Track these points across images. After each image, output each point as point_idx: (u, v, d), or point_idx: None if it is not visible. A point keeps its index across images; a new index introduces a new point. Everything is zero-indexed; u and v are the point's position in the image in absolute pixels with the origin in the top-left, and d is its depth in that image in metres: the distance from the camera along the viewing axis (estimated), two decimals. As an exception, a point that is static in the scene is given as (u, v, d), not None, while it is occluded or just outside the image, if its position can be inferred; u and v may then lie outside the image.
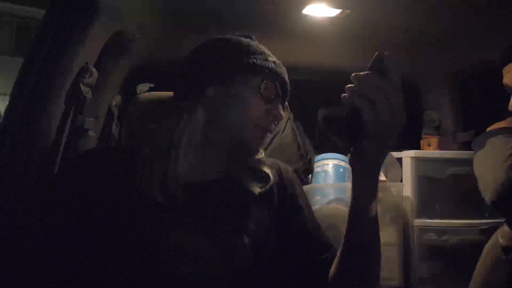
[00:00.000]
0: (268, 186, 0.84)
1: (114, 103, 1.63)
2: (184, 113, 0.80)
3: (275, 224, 0.84)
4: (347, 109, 0.62)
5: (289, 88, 0.87)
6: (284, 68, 0.86)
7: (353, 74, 0.61)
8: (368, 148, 0.63)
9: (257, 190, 0.83)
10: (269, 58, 0.83)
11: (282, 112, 0.83)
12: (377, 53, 0.61)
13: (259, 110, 0.81)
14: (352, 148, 0.66)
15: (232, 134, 0.80)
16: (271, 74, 0.82)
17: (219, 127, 0.81)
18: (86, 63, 1.17)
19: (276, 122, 0.83)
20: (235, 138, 0.80)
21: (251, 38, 0.87)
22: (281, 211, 0.85)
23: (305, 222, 0.86)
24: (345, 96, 0.61)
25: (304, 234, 0.85)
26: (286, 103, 0.89)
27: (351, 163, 0.67)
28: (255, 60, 0.81)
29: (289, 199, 0.87)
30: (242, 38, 0.85)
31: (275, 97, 0.83)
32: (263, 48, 0.85)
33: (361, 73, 0.61)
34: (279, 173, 0.89)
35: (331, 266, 0.77)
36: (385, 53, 0.61)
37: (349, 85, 0.61)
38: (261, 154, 0.88)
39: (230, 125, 0.80)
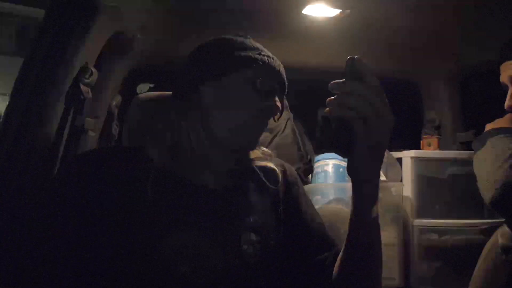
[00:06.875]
0: (276, 185, 0.86)
1: (114, 103, 1.63)
2: (182, 112, 0.81)
3: (281, 222, 0.85)
4: (335, 122, 0.62)
5: (286, 83, 0.87)
6: (280, 62, 0.86)
7: (330, 84, 0.61)
8: (363, 157, 0.63)
9: (264, 187, 0.84)
10: (263, 53, 0.83)
11: (279, 104, 0.83)
12: (348, 57, 0.61)
13: (254, 104, 0.81)
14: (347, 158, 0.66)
15: (229, 129, 0.81)
16: (265, 67, 0.82)
17: (216, 123, 0.81)
18: (86, 63, 1.17)
19: (274, 116, 0.83)
20: (233, 133, 0.81)
21: (245, 37, 0.87)
22: (285, 209, 0.86)
23: (307, 222, 0.87)
24: (329, 110, 0.61)
25: (305, 233, 0.86)
26: (286, 102, 0.89)
27: (348, 172, 0.67)
28: (247, 54, 0.81)
29: (292, 198, 0.89)
30: (236, 37, 0.85)
31: (271, 90, 0.83)
32: (257, 44, 0.86)
33: (339, 81, 0.61)
34: (284, 172, 0.91)
35: (332, 265, 0.78)
36: (355, 57, 0.60)
37: (330, 98, 0.61)
38: (261, 150, 0.89)
39: (226, 120, 0.80)
